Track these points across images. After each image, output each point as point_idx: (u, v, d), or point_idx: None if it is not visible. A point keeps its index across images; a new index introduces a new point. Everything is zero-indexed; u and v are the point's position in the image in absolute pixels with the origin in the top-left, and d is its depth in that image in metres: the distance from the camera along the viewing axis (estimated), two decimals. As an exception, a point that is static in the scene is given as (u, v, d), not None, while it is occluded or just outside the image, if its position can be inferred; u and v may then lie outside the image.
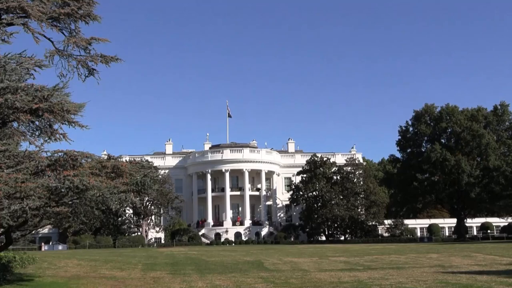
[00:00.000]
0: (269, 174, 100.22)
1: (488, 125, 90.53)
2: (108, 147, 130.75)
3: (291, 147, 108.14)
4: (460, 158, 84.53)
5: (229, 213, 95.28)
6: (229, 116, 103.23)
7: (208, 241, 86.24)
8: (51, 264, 34.84)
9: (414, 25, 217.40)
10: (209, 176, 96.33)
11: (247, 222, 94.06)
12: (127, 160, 42.39)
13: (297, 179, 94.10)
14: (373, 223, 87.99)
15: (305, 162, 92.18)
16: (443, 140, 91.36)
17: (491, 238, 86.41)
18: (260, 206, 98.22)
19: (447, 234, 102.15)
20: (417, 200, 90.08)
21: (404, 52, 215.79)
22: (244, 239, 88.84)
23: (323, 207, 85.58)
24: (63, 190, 18.87)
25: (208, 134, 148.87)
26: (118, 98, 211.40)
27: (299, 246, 68.68)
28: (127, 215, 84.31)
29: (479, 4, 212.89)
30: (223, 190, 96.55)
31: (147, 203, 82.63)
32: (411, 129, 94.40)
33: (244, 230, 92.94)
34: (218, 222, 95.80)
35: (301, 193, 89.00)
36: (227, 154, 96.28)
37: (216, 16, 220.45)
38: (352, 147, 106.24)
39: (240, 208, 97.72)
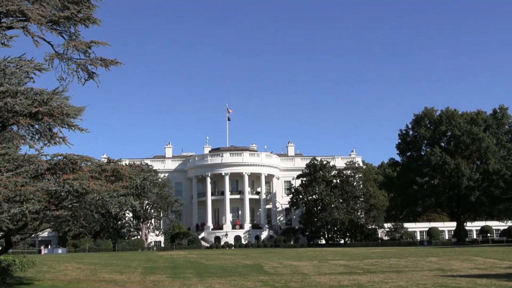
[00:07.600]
0: (269, 178, 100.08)
1: (487, 128, 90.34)
2: (108, 151, 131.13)
3: (291, 151, 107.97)
4: (460, 162, 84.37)
5: (228, 216, 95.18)
6: (229, 119, 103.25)
7: (208, 245, 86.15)
8: (50, 268, 34.80)
9: (413, 28, 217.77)
10: (208, 180, 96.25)
11: (247, 225, 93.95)
12: (127, 164, 42.33)
13: (297, 183, 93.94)
14: (373, 226, 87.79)
15: (304, 166, 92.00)
16: (442, 144, 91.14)
17: (491, 242, 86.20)
18: (260, 209, 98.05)
19: (446, 237, 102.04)
20: (417, 203, 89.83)
21: (404, 56, 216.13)
22: (244, 243, 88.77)
23: (323, 211, 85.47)
24: (62, 194, 18.88)
25: (207, 138, 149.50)
26: (117, 101, 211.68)
27: (299, 250, 68.52)
28: (126, 218, 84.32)
29: (479, 7, 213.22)
30: (222, 193, 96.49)
31: (147, 207, 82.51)
32: (411, 132, 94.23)
33: (244, 233, 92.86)
34: (218, 225, 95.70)
35: (300, 196, 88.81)
36: (227, 157, 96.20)
37: (216, 19, 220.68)
38: (352, 151, 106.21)
39: (239, 212, 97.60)
